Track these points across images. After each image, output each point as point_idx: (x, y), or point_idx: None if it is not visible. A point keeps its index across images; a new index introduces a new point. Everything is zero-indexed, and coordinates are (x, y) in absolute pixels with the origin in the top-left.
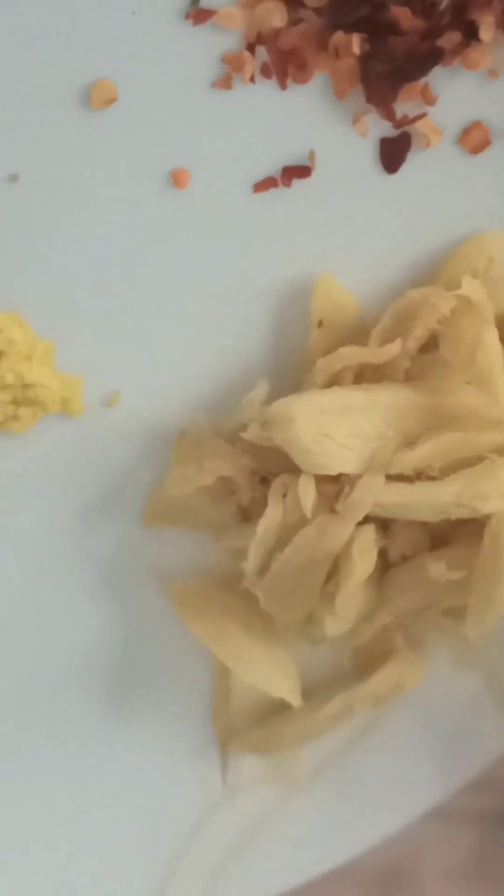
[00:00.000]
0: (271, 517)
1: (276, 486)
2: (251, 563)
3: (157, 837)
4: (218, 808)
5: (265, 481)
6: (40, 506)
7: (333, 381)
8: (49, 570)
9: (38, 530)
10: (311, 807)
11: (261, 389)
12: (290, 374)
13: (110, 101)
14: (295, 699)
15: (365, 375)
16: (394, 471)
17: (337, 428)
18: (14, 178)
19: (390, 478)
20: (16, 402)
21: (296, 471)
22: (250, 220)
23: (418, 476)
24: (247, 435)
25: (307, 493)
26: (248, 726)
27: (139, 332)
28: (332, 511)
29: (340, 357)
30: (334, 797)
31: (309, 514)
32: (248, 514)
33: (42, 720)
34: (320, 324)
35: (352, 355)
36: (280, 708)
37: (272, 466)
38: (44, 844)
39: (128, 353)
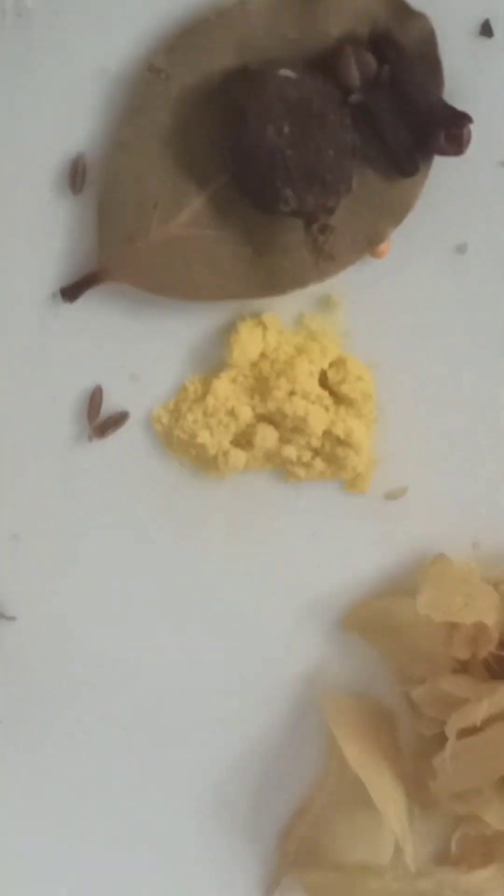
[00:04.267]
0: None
1: None
2: (458, 722)
3: None
4: None
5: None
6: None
7: None
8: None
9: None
10: None
11: None
12: None
13: None
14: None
15: None
16: None
17: None
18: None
19: None
20: (318, 452)
21: None
22: None
23: None
24: None
25: None
26: (315, 862)
27: (463, 445)
28: None
29: None
30: None
31: None
32: (468, 668)
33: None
34: None
35: None
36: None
37: None
38: None
39: (445, 464)
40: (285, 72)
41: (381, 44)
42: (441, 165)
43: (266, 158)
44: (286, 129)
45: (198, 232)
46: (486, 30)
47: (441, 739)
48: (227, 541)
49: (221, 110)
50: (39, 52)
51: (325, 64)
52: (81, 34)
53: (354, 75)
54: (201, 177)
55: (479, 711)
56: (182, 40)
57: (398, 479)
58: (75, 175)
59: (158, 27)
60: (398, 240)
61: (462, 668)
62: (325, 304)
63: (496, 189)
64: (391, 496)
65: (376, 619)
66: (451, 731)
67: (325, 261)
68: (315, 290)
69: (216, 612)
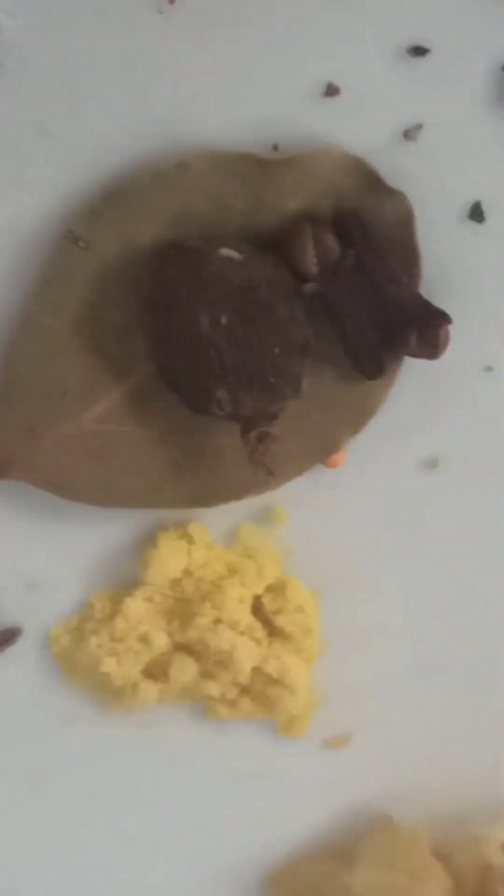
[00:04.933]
0: None
1: None
2: None
3: None
4: None
5: None
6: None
7: None
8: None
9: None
10: None
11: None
12: None
13: None
14: None
15: None
16: None
17: None
18: None
19: None
20: (246, 690)
21: None
22: None
23: None
24: None
25: None
26: None
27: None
28: None
29: None
30: None
31: None
32: None
33: None
34: None
35: None
36: None
37: None
38: None
39: (397, 709)
40: (228, 251)
41: (346, 223)
42: (412, 365)
43: (198, 352)
44: (224, 320)
45: (114, 428)
46: (477, 214)
47: None
48: (134, 786)
49: (149, 290)
50: None
51: (277, 244)
52: None
53: (312, 261)
54: (121, 365)
55: None
56: (108, 205)
57: (341, 724)
58: None
59: (82, 189)
60: (356, 448)
61: None
62: (266, 516)
63: (478, 397)
64: (332, 744)
65: (304, 886)
66: None
67: (265, 474)
68: (257, 499)
69: (120, 869)
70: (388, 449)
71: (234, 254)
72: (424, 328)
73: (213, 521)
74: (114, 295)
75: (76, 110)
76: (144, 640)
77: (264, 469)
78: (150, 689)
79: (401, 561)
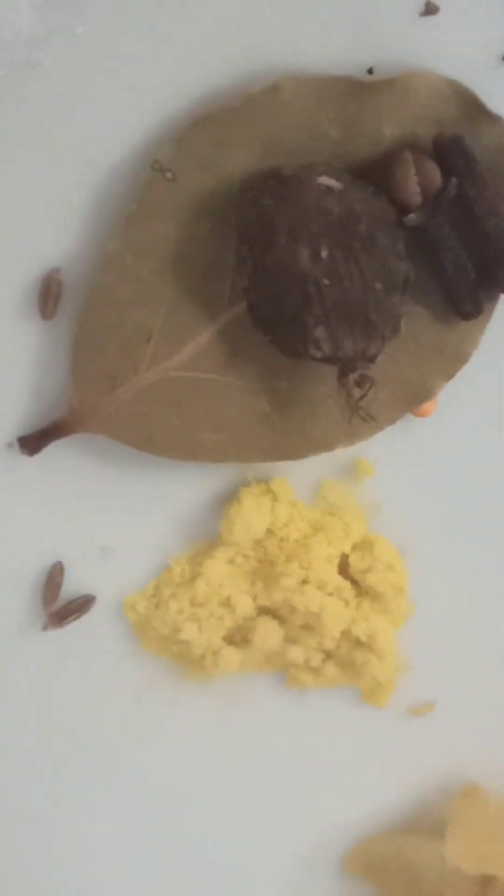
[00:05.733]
0: None
1: None
2: None
3: None
4: None
5: None
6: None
7: None
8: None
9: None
10: None
11: None
12: None
13: None
14: None
15: None
16: None
17: None
18: None
19: None
20: (330, 655)
21: None
22: None
23: None
24: None
25: None
26: None
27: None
28: None
29: None
30: None
31: None
32: None
33: None
34: None
35: None
36: None
37: None
38: None
39: (484, 675)
40: (326, 180)
41: (447, 152)
42: None
43: (296, 289)
44: (324, 254)
45: (200, 376)
46: None
47: None
48: (214, 757)
49: (241, 224)
50: (20, 132)
51: (376, 173)
52: (70, 118)
53: (415, 189)
54: (209, 306)
55: None
56: (195, 132)
57: (426, 692)
58: (47, 296)
59: (167, 115)
60: (447, 395)
61: None
62: (352, 471)
63: None
64: (417, 711)
65: (388, 862)
66: None
67: (360, 421)
68: (340, 453)
69: (199, 840)
70: (480, 397)
71: (333, 182)
72: None
73: (296, 477)
74: (203, 230)
75: (163, 33)
76: (227, 604)
77: (363, 415)
78: (231, 657)
79: (492, 517)
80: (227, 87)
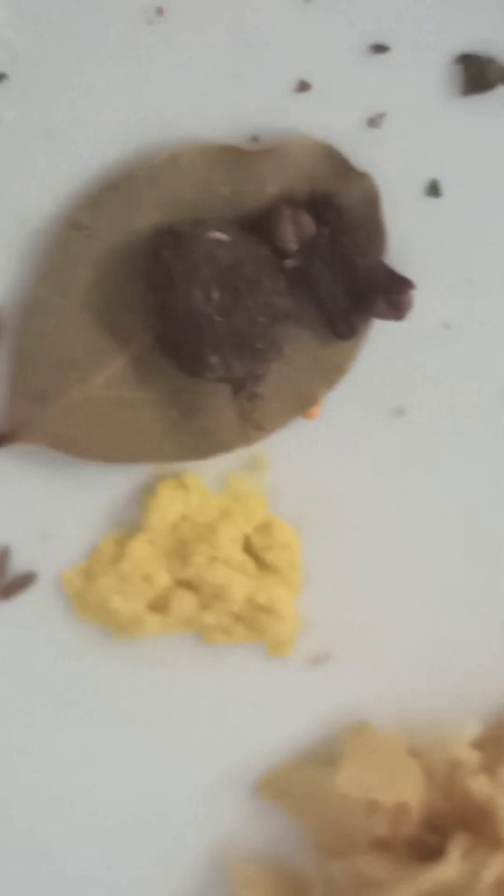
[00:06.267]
0: (444, 872)
1: (458, 843)
2: None
3: None
4: None
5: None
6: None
7: None
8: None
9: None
10: None
11: (471, 728)
12: None
13: None
14: None
15: None
16: None
17: None
18: None
19: None
20: (239, 618)
21: (478, 833)
22: None
23: None
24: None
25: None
26: None
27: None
28: None
29: None
30: None
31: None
32: (390, 846)
33: None
34: None
35: None
36: None
37: (452, 817)
38: None
39: (372, 630)
40: (216, 234)
41: (320, 205)
42: (380, 326)
43: (192, 323)
44: (215, 295)
45: (118, 394)
46: (434, 190)
47: None
48: (142, 703)
49: (147, 270)
50: None
51: (259, 225)
52: (2, 184)
53: (291, 239)
54: (123, 337)
55: None
56: (107, 196)
57: (323, 644)
58: None
59: (83, 182)
60: (332, 400)
61: (383, 844)
62: (253, 464)
63: (438, 352)
64: (315, 661)
65: (293, 788)
66: None
67: (254, 429)
68: (244, 449)
69: (125, 769)
70: (360, 401)
71: (221, 236)
72: (391, 293)
73: (206, 471)
74: (115, 275)
75: (77, 112)
76: (148, 578)
77: (253, 424)
78: (153, 622)
79: (373, 501)
80: (133, 155)
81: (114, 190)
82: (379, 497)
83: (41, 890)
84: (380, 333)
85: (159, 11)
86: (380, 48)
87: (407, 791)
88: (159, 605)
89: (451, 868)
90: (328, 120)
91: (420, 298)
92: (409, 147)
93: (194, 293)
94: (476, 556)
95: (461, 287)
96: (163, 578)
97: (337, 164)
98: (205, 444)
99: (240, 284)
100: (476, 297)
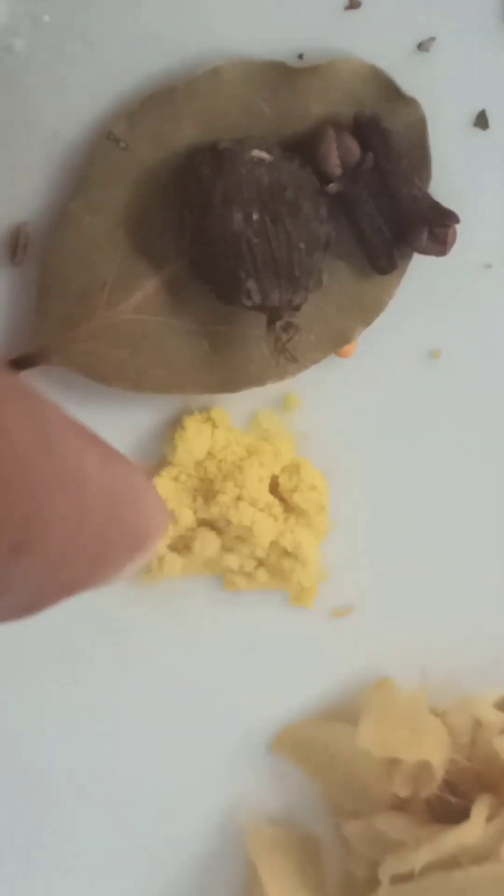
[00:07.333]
0: (468, 835)
1: (484, 804)
2: (393, 866)
3: None
4: None
5: (454, 787)
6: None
7: None
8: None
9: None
10: None
11: (495, 689)
12: None
13: None
14: None
15: None
16: None
17: None
18: None
19: None
20: (262, 563)
21: (501, 794)
22: None
23: None
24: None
25: None
26: None
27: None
28: None
29: None
30: None
31: None
32: (408, 806)
33: None
34: None
35: None
36: None
37: (474, 779)
38: None
39: (397, 584)
40: (258, 153)
41: (366, 129)
42: (419, 263)
43: (230, 246)
44: (255, 216)
45: (148, 318)
46: (482, 121)
47: (373, 882)
48: (157, 650)
49: (184, 189)
50: None
51: (303, 146)
52: (36, 95)
53: (335, 162)
54: (156, 259)
55: (416, 858)
56: (145, 109)
57: (345, 596)
58: (16, 245)
59: (121, 93)
60: (366, 339)
61: (402, 804)
62: (282, 403)
63: (478, 293)
64: (337, 613)
65: (310, 744)
66: (384, 875)
67: (287, 361)
68: (272, 387)
69: (140, 724)
70: (395, 342)
71: (264, 155)
72: (435, 226)
73: (234, 407)
74: (150, 193)
75: (118, 22)
76: (171, 516)
77: (287, 356)
78: (174, 562)
79: (405, 445)
80: (175, 69)
81: (151, 102)
82: (410, 444)
83: (49, 842)
84: (417, 271)
85: None
86: None
87: (429, 750)
88: (180, 546)
89: (474, 830)
90: (377, 41)
91: (464, 234)
92: (459, 75)
93: (234, 215)
94: None
95: None
96: (186, 517)
97: (384, 87)
98: (235, 377)
99: (280, 208)
100: None
